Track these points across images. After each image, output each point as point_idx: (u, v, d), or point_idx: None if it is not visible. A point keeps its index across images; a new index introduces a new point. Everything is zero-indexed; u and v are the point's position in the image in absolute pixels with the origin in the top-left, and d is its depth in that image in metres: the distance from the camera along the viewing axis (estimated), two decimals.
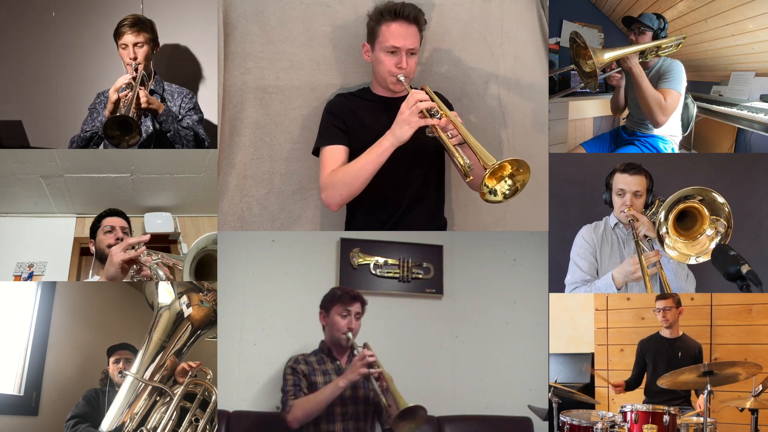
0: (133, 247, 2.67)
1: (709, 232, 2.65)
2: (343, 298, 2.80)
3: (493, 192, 2.41)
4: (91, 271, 3.07)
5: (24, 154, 3.32)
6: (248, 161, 2.88)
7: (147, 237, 2.73)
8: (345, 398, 2.72)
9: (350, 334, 2.76)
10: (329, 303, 2.83)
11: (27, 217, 3.71)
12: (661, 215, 2.65)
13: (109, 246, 2.86)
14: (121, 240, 2.89)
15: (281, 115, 2.90)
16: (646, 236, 2.82)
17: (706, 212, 2.64)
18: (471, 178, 2.43)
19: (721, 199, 2.61)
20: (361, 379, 2.69)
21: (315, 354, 2.85)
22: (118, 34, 3.07)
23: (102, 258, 2.91)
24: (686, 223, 2.70)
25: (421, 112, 2.48)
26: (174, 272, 2.82)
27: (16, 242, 3.59)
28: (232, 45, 2.84)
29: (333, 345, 2.84)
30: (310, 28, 2.90)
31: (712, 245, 2.63)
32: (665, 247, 2.67)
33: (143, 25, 3.07)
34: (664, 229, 2.65)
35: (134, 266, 2.71)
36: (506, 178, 2.41)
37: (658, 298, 3.32)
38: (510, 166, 2.38)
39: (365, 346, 2.72)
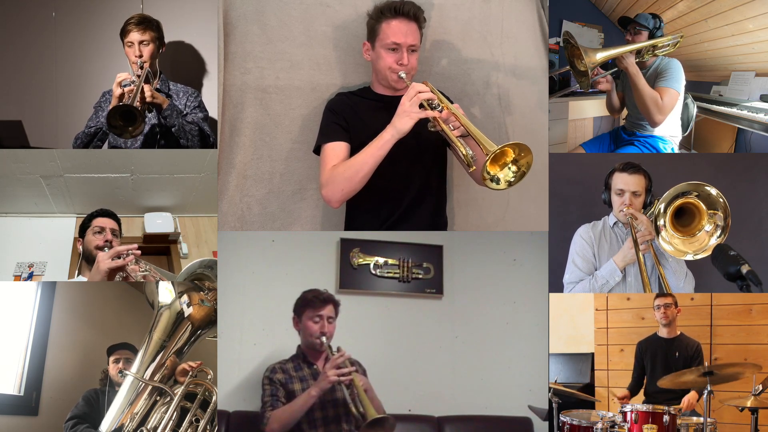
0: (120, 256, 2.68)
1: (708, 227, 2.66)
2: (314, 302, 2.80)
3: (496, 180, 2.41)
4: (77, 271, 3.06)
5: (24, 154, 3.32)
6: (248, 161, 2.88)
7: (135, 246, 2.74)
8: (325, 402, 2.72)
9: (324, 339, 2.75)
10: (300, 308, 2.83)
11: (27, 217, 3.70)
12: (661, 207, 2.65)
13: (97, 247, 2.85)
14: (110, 242, 2.88)
15: (281, 115, 2.90)
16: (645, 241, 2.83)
17: (703, 207, 2.64)
18: (474, 168, 2.43)
19: (714, 191, 2.62)
20: (335, 385, 2.68)
21: (292, 360, 2.85)
22: (124, 32, 3.10)
23: (88, 258, 2.89)
24: (684, 220, 2.70)
25: (422, 105, 2.48)
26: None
27: (16, 242, 3.59)
28: (232, 45, 2.84)
29: (308, 349, 2.84)
30: (310, 28, 2.90)
31: (712, 241, 2.64)
32: (661, 241, 2.68)
33: (149, 24, 3.10)
34: (661, 221, 2.66)
35: (120, 273, 2.71)
36: (510, 165, 2.41)
37: (658, 295, 3.32)
38: (511, 151, 2.38)
39: (338, 350, 2.70)
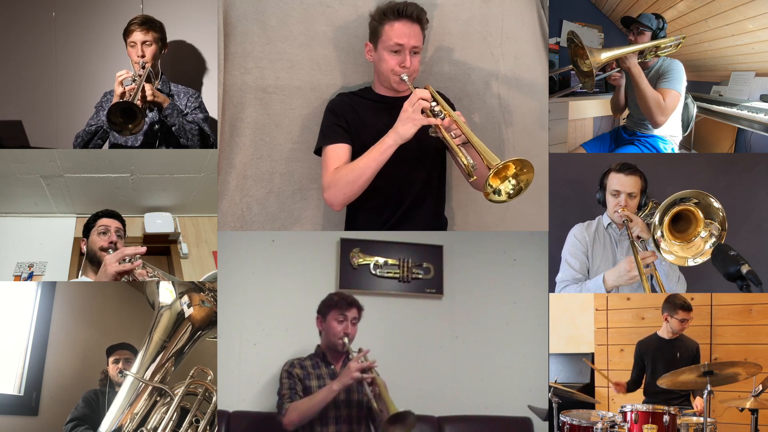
0: (128, 259, 2.68)
1: (704, 234, 2.65)
2: (340, 303, 2.81)
3: (497, 192, 2.41)
4: (80, 271, 3.06)
5: (24, 154, 3.32)
6: (248, 161, 2.88)
7: (143, 249, 2.74)
8: (339, 402, 2.74)
9: (346, 339, 2.77)
10: (326, 308, 2.84)
11: (27, 217, 3.70)
12: (656, 218, 2.64)
13: (102, 248, 2.85)
14: (114, 243, 2.88)
15: (281, 115, 2.90)
16: (639, 237, 2.81)
17: (700, 215, 2.64)
18: (475, 177, 2.43)
19: (717, 204, 2.61)
20: (355, 384, 2.70)
21: (310, 358, 2.86)
22: (127, 32, 3.11)
23: (92, 259, 2.89)
24: (680, 225, 2.69)
25: (425, 111, 2.49)
26: None
27: (16, 242, 3.59)
28: (232, 45, 2.84)
29: (328, 350, 2.85)
30: (310, 28, 2.90)
31: (707, 246, 2.63)
32: (661, 251, 2.67)
33: (152, 24, 3.12)
34: (659, 233, 2.65)
35: (127, 276, 2.71)
36: (510, 178, 2.41)
37: (684, 308, 3.31)
38: (514, 166, 2.38)
39: (360, 351, 2.73)
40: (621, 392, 3.43)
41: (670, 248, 2.66)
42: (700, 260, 2.66)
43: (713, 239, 2.63)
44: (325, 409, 2.69)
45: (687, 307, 3.30)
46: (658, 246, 2.66)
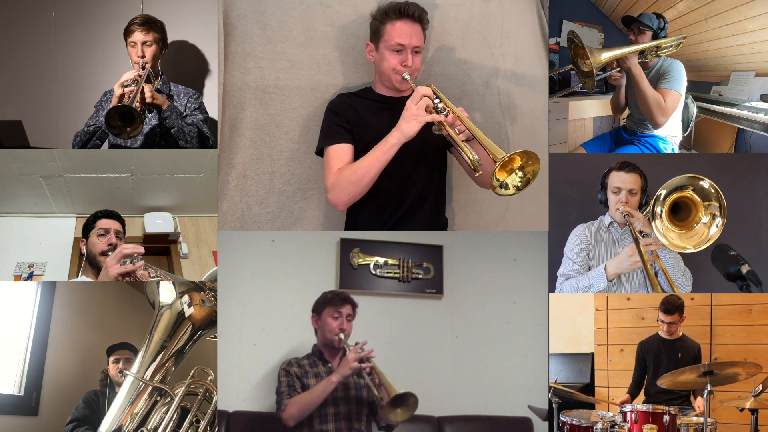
0: (130, 260, 2.67)
1: (705, 219, 2.64)
2: (334, 300, 2.82)
3: (504, 185, 2.41)
4: (80, 271, 3.05)
5: (24, 154, 3.32)
6: (248, 161, 2.88)
7: (141, 249, 2.73)
8: (338, 398, 2.74)
9: (342, 335, 2.77)
10: (321, 306, 2.84)
11: (27, 217, 3.71)
12: (658, 209, 2.64)
13: (102, 252, 2.84)
14: (114, 246, 2.87)
15: (281, 115, 2.90)
16: (641, 232, 2.81)
17: (697, 199, 2.63)
18: (480, 173, 2.43)
19: (706, 184, 2.61)
20: (353, 378, 2.70)
21: (307, 357, 2.86)
22: (127, 32, 3.11)
23: (92, 260, 2.89)
24: (681, 214, 2.69)
25: (428, 108, 2.49)
26: None
27: (16, 242, 3.59)
28: (232, 45, 2.84)
29: (325, 347, 2.84)
30: (310, 28, 2.90)
31: (712, 231, 2.62)
32: (655, 230, 2.66)
33: (153, 25, 3.12)
34: (658, 210, 2.63)
35: (129, 278, 2.70)
36: (516, 171, 2.41)
37: (665, 311, 3.31)
38: (519, 158, 2.39)
39: (357, 344, 2.72)
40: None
41: (666, 233, 2.65)
42: (704, 247, 2.64)
43: (717, 221, 2.61)
44: (324, 406, 2.69)
45: (669, 310, 3.29)
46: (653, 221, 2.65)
